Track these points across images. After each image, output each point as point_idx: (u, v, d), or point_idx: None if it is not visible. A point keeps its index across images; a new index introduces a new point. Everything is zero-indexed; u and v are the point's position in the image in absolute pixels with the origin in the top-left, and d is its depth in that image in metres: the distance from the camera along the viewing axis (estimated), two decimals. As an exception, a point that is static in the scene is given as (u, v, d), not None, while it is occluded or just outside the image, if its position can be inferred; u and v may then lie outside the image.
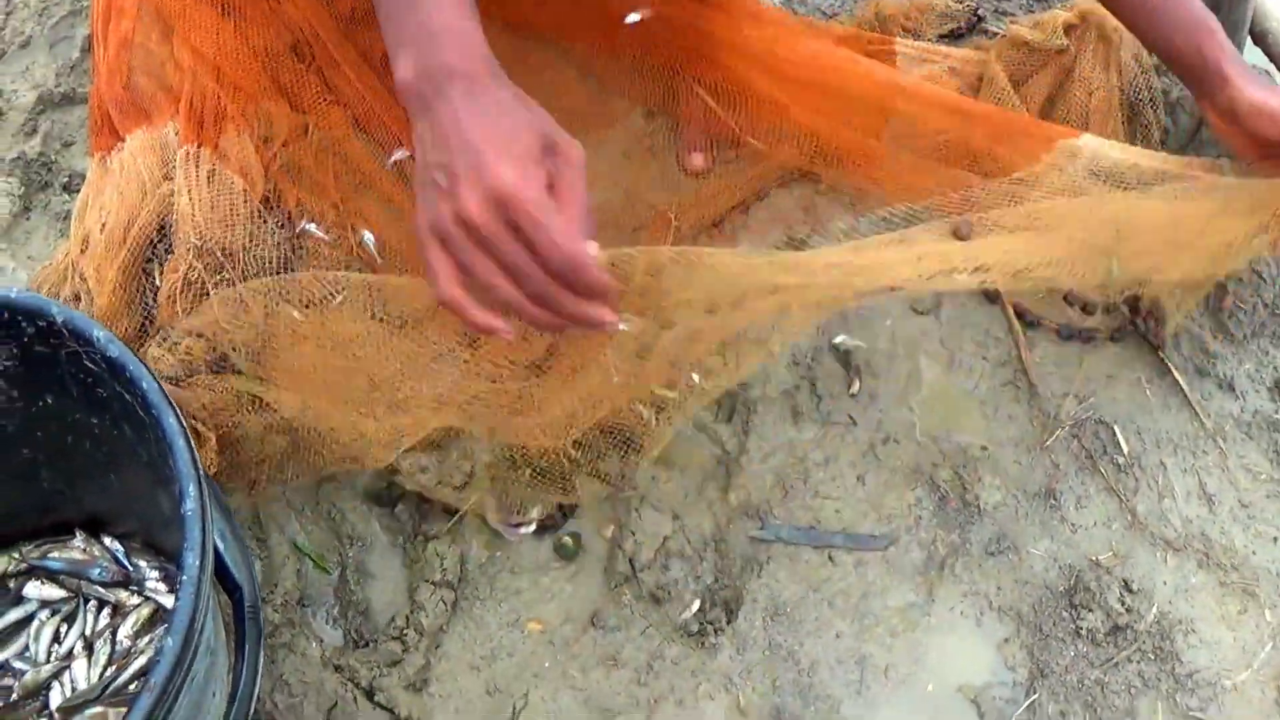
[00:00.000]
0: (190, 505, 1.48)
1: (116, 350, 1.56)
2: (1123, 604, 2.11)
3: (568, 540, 2.10)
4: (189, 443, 1.52)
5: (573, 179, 1.47)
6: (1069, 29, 2.52)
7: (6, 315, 1.62)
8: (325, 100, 2.28)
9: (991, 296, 2.40)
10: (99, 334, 1.57)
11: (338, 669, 1.99)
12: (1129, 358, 2.36)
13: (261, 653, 1.69)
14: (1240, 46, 2.80)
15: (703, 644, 2.04)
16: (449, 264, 1.46)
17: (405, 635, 2.01)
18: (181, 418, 1.54)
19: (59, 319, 1.59)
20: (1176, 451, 2.28)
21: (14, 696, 1.88)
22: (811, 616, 2.09)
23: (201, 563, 1.46)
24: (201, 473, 1.51)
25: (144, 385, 1.55)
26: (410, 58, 1.53)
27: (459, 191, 1.39)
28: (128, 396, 1.60)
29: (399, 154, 2.21)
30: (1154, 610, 2.12)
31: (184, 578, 1.45)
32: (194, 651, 1.46)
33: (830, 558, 2.13)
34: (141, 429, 1.61)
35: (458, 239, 1.42)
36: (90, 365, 1.61)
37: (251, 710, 1.67)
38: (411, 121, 1.56)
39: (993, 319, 2.38)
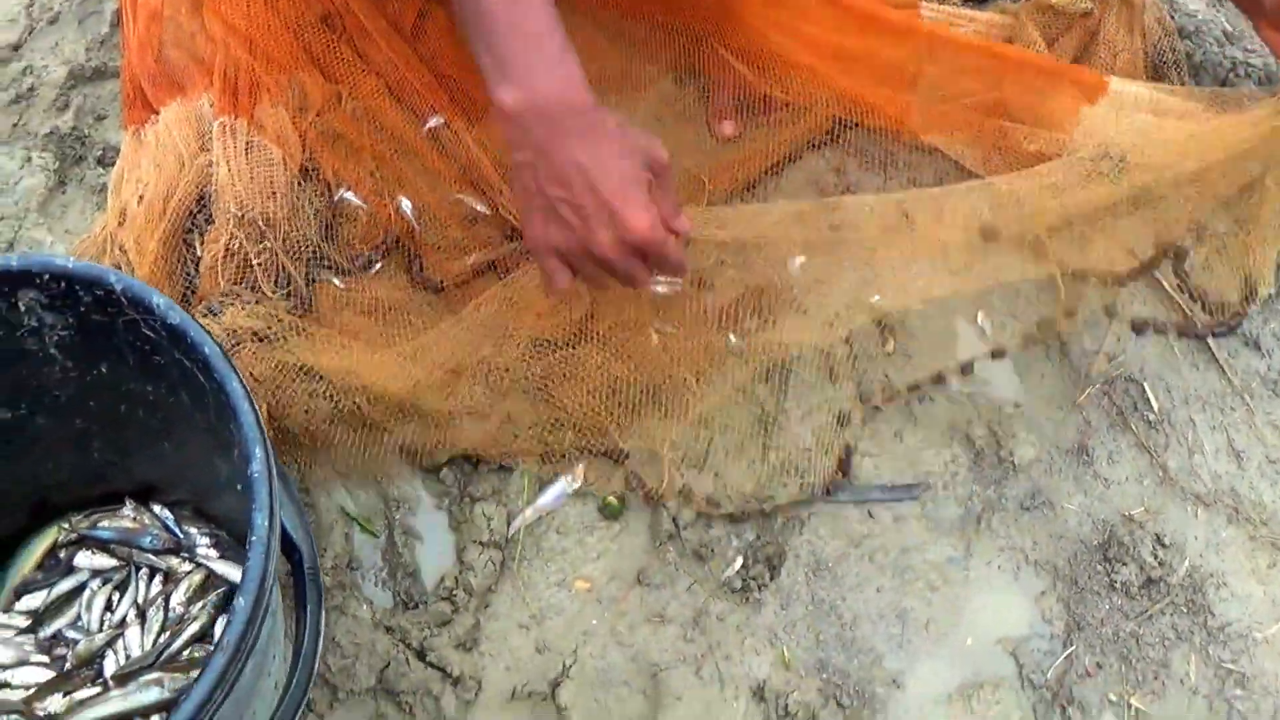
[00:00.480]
0: (257, 467, 1.50)
1: (177, 317, 1.57)
2: (1155, 558, 2.13)
3: (612, 500, 2.12)
4: (253, 406, 1.53)
5: (667, 182, 1.78)
6: (1094, -10, 2.54)
7: (64, 285, 1.62)
8: (358, 69, 2.30)
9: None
10: (159, 301, 1.58)
11: (389, 630, 2.01)
12: (1156, 315, 2.36)
13: (323, 613, 1.71)
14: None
15: (747, 600, 2.06)
16: (567, 274, 1.78)
17: (455, 596, 2.03)
18: (244, 382, 1.55)
19: (118, 287, 1.59)
20: (1205, 408, 2.30)
21: (68, 666, 1.90)
22: (853, 572, 2.11)
23: (270, 523, 1.48)
24: (266, 435, 1.53)
25: (206, 350, 1.55)
26: (515, 87, 1.63)
27: (593, 231, 1.66)
28: (187, 363, 1.61)
29: (434, 121, 2.23)
30: (1186, 564, 2.14)
31: (253, 538, 1.47)
32: (264, 611, 1.47)
33: (870, 514, 2.15)
34: (201, 395, 1.62)
35: (585, 264, 1.74)
36: (148, 333, 1.62)
37: (315, 670, 1.68)
38: (510, 145, 1.69)
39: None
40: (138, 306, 1.60)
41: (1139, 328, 2.34)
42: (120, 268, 2.10)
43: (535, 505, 2.12)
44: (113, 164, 2.34)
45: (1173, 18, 2.56)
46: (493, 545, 2.06)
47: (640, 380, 2.17)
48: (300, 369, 2.03)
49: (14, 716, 1.85)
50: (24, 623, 1.94)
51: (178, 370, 1.64)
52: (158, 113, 2.27)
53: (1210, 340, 2.34)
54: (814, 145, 2.48)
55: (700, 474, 2.15)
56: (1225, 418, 2.29)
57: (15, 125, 2.46)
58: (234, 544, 1.99)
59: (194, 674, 1.84)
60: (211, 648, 1.90)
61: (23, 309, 1.65)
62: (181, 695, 1.56)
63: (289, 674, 1.67)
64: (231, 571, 1.95)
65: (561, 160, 1.60)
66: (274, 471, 1.51)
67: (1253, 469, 2.25)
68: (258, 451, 1.50)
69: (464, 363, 2.10)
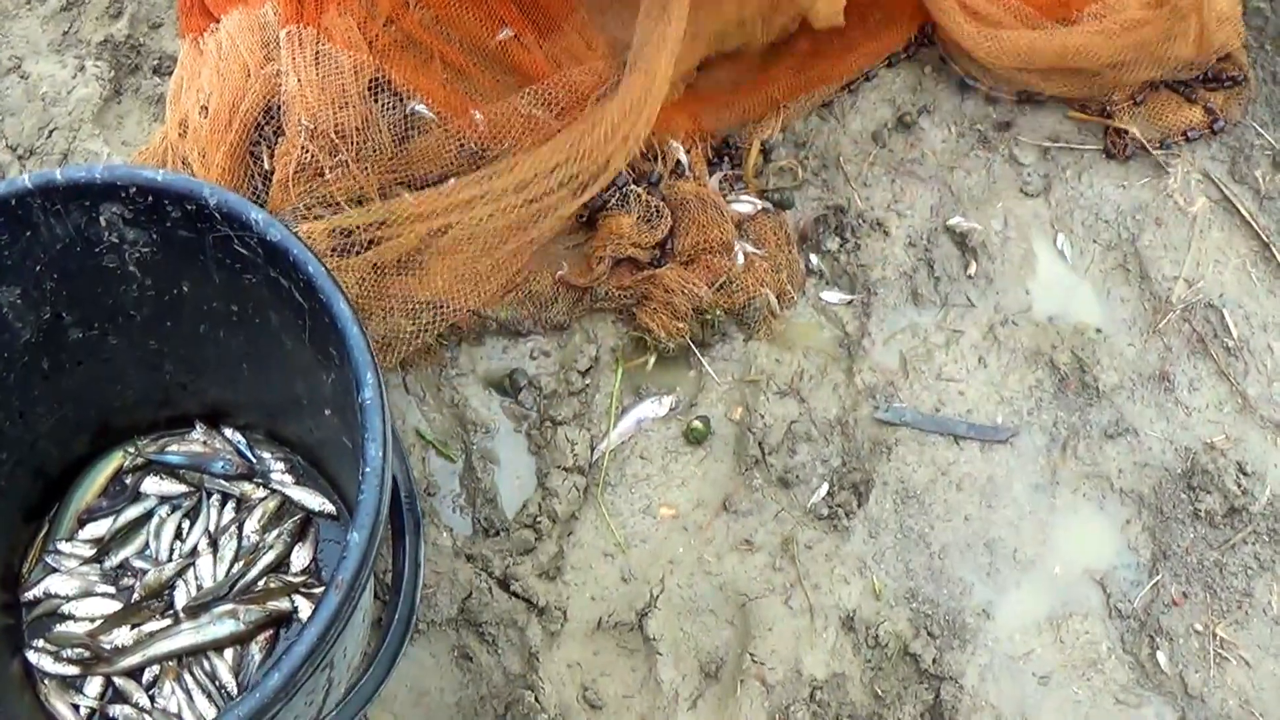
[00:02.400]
0: (369, 394, 1.42)
1: (278, 234, 1.50)
2: (1238, 486, 2.10)
3: (697, 424, 2.07)
4: (363, 329, 1.46)
5: None
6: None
7: (150, 199, 1.54)
8: (426, -21, 2.21)
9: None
10: (257, 216, 1.50)
11: (470, 559, 1.96)
12: (1234, 241, 2.32)
13: (422, 543, 1.65)
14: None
15: (835, 527, 2.03)
16: None
17: (538, 523, 1.99)
18: (352, 302, 1.49)
19: (211, 201, 1.51)
20: (1283, 334, 2.27)
21: (136, 597, 1.85)
22: (940, 500, 2.08)
23: (384, 453, 1.41)
24: (376, 361, 1.46)
25: (310, 269, 1.48)
26: None
27: None
28: (284, 282, 1.54)
29: (506, 32, 2.16)
30: (1267, 493, 2.11)
31: (367, 469, 1.40)
32: (377, 546, 1.42)
33: (956, 441, 2.11)
34: (297, 314, 1.55)
35: None
36: (241, 250, 1.55)
37: (416, 603, 1.62)
38: None
39: (1102, 200, 2.34)
40: (233, 222, 1.52)
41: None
42: (181, 179, 2.03)
43: (619, 429, 2.07)
44: (170, 74, 2.26)
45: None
46: (576, 470, 2.02)
47: (723, 301, 2.12)
48: (377, 283, 1.97)
49: (79, 651, 1.79)
50: (88, 551, 1.88)
51: (270, 289, 1.58)
52: (218, 20, 2.19)
53: None
54: (890, 63, 2.43)
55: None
56: (1303, 344, 2.25)
57: (66, 33, 2.38)
58: (310, 469, 1.94)
59: (270, 605, 1.80)
60: (287, 577, 1.85)
61: (104, 224, 1.58)
62: (292, 636, 1.50)
63: (388, 610, 1.61)
64: (308, 498, 1.90)
65: None
66: (386, 399, 1.44)
67: (1331, 396, 2.21)
68: (370, 378, 1.43)
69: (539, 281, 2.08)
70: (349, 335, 1.46)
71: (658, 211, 2.14)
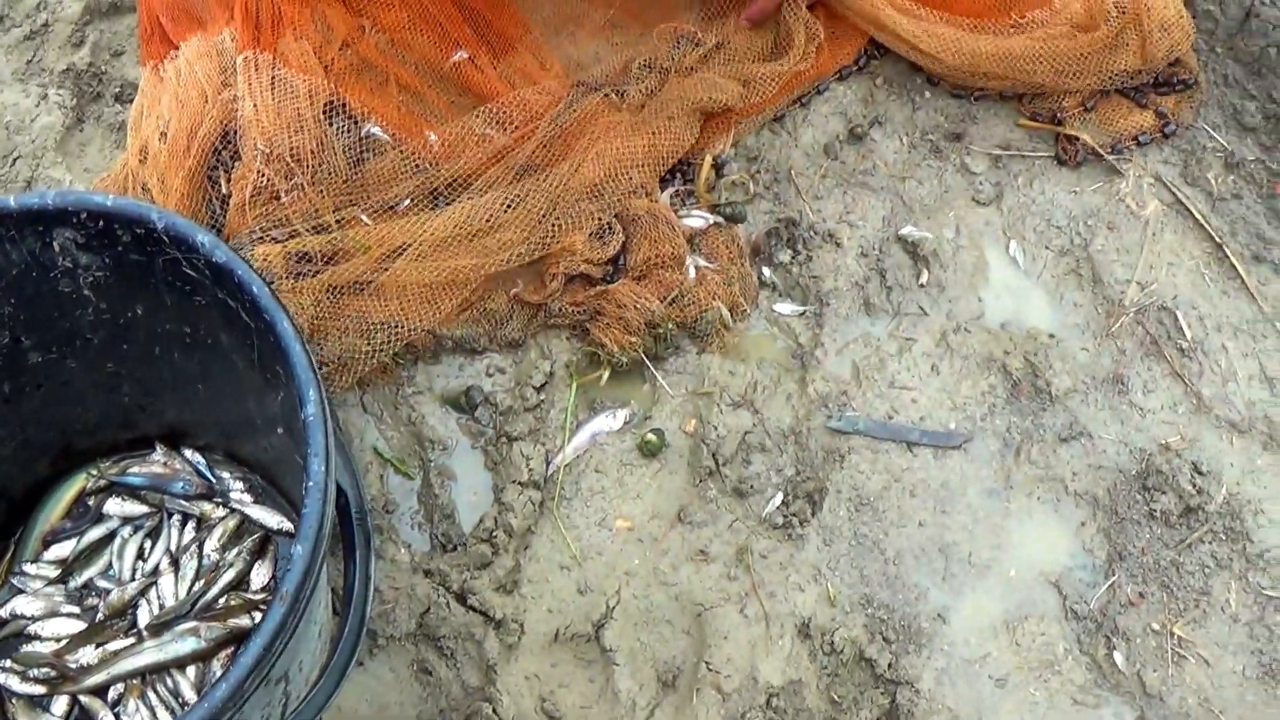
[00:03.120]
0: (312, 410, 1.45)
1: (223, 256, 1.52)
2: (1193, 486, 2.12)
3: (651, 437, 2.09)
4: (305, 347, 1.49)
5: None
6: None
7: (101, 224, 1.57)
8: (380, 2, 2.25)
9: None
10: (203, 239, 1.53)
11: (427, 574, 1.98)
12: (1187, 243, 2.35)
13: (373, 559, 1.68)
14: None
15: (789, 536, 2.05)
16: None
17: (494, 537, 2.00)
18: (295, 322, 1.51)
19: (160, 225, 1.54)
20: (1237, 335, 2.28)
21: (100, 616, 1.87)
22: (894, 507, 2.09)
23: (327, 468, 1.43)
24: (319, 377, 1.49)
25: (255, 290, 1.51)
26: None
27: None
28: (232, 303, 1.56)
29: (460, 54, 2.19)
30: (1223, 492, 2.13)
31: (310, 484, 1.42)
32: (322, 558, 1.44)
33: (909, 448, 2.13)
34: (245, 335, 1.58)
35: None
36: (190, 272, 1.57)
37: (366, 616, 1.65)
38: None
39: (1054, 207, 2.37)
40: (180, 245, 1.55)
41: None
42: (140, 206, 2.06)
43: (574, 444, 2.09)
44: (131, 101, 2.29)
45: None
46: (531, 485, 2.04)
47: (675, 315, 2.14)
48: (334, 304, 1.99)
49: (45, 670, 1.81)
50: (53, 572, 1.91)
51: (219, 310, 1.60)
52: (177, 48, 2.23)
53: (1239, 265, 2.32)
54: (841, 76, 2.45)
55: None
56: (1257, 344, 2.28)
57: (30, 62, 2.41)
58: (268, 488, 1.96)
59: (231, 622, 1.82)
60: (247, 594, 1.87)
61: (57, 249, 1.61)
62: (239, 648, 1.53)
63: (339, 624, 1.64)
64: (266, 516, 1.92)
65: None
66: (329, 415, 1.47)
67: (1286, 395, 2.23)
68: (312, 394, 1.46)
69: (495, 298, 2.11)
70: (292, 353, 1.48)
71: (610, 228, 2.17)
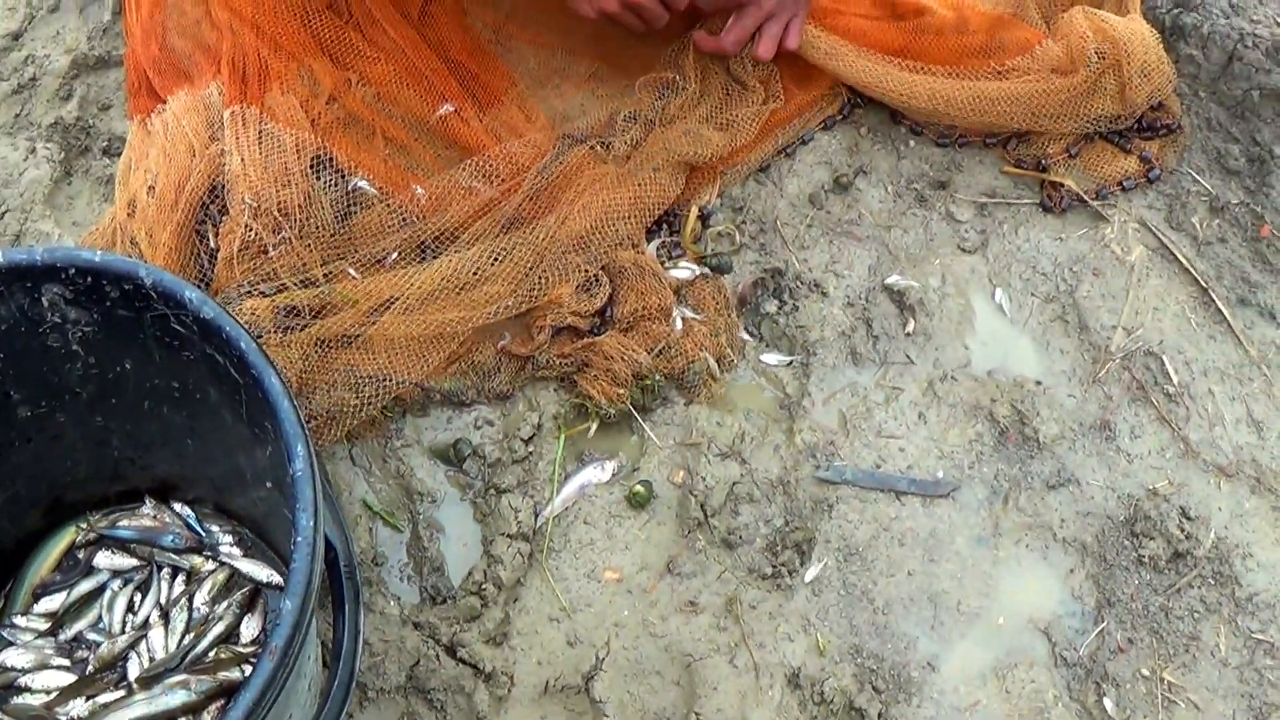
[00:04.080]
0: (300, 466, 1.46)
1: (211, 311, 1.53)
2: (1181, 531, 2.12)
3: (640, 489, 2.09)
4: (293, 402, 1.50)
5: None
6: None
7: (89, 280, 1.58)
8: (367, 56, 2.27)
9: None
10: (191, 295, 1.54)
11: (417, 626, 1.98)
12: (1172, 288, 2.36)
13: (361, 612, 1.68)
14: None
15: (778, 586, 2.05)
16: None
17: (483, 590, 2.00)
18: (283, 378, 1.52)
19: (148, 281, 1.55)
20: (1223, 379, 2.30)
21: (90, 669, 1.87)
22: (883, 556, 2.10)
23: (315, 523, 1.44)
24: (308, 432, 1.49)
25: (243, 346, 1.52)
26: None
27: None
28: (220, 358, 1.57)
29: (446, 107, 2.20)
30: (1211, 536, 2.14)
31: (298, 539, 1.43)
32: (310, 612, 1.44)
33: (897, 497, 2.13)
34: (234, 390, 1.59)
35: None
36: (178, 328, 1.58)
37: (355, 670, 1.65)
38: None
39: (1039, 253, 2.38)
40: (169, 301, 1.56)
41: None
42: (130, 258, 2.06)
43: (562, 496, 2.10)
44: (119, 154, 2.30)
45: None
46: (520, 537, 2.04)
47: (662, 367, 2.15)
48: (322, 358, 2.00)
49: (35, 722, 1.82)
50: (43, 625, 1.91)
51: (207, 366, 1.61)
52: (164, 102, 2.24)
53: (1224, 309, 2.34)
54: (826, 126, 2.47)
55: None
56: (1244, 388, 2.29)
57: (18, 116, 2.42)
58: (258, 541, 1.96)
59: (221, 675, 1.82)
60: (237, 648, 1.87)
61: (46, 305, 1.61)
62: (229, 704, 1.53)
63: (329, 678, 1.64)
64: (256, 570, 1.92)
65: None
66: (316, 470, 1.47)
67: (1273, 438, 2.24)
68: (300, 449, 1.46)
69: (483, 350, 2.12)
70: (280, 409, 1.49)
71: (596, 280, 2.17)
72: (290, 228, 2.03)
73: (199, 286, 1.90)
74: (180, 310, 1.55)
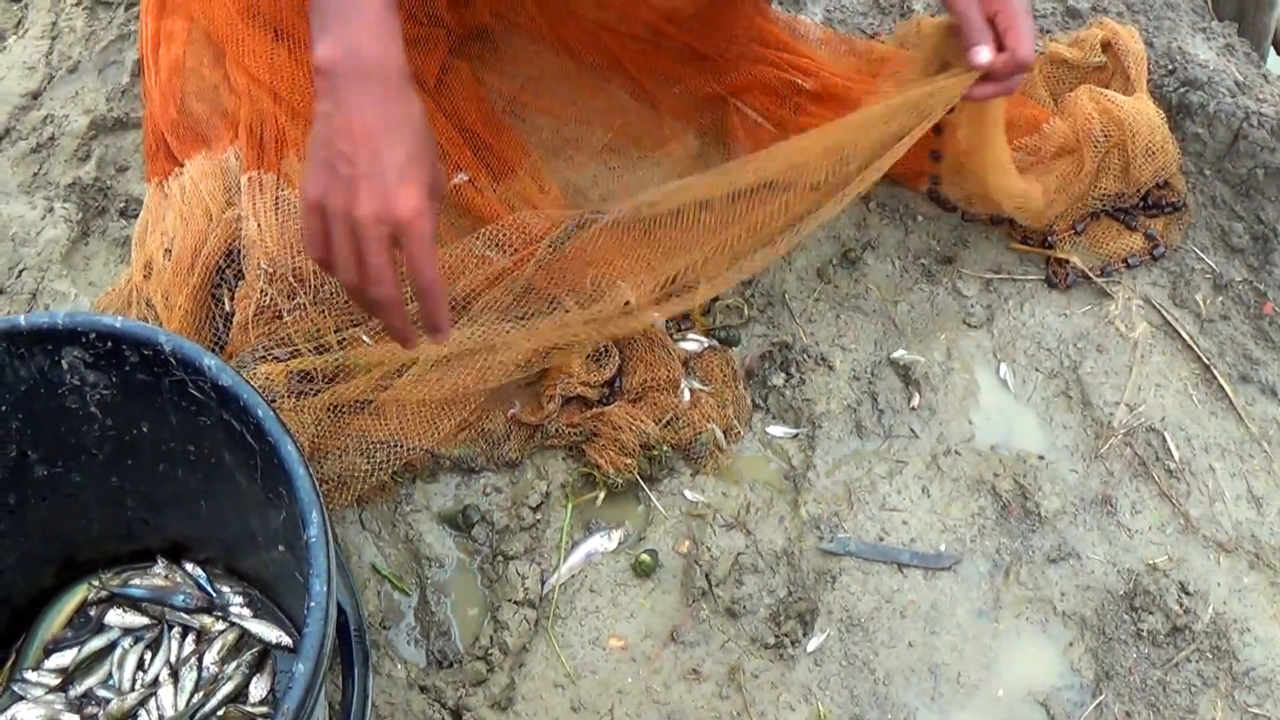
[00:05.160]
0: (314, 532, 1.49)
1: (229, 379, 1.56)
2: (1180, 606, 2.14)
3: (645, 557, 2.11)
4: (308, 470, 1.53)
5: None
6: (1105, 46, 2.57)
7: (110, 345, 1.61)
8: (383, 125, 2.28)
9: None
10: (209, 362, 1.57)
11: (423, 690, 2.00)
12: (1175, 365, 2.38)
13: (371, 676, 1.70)
14: (1264, 57, 2.85)
15: (781, 656, 2.06)
16: (320, 239, 1.60)
17: (489, 654, 2.02)
18: (299, 445, 1.54)
19: (167, 348, 1.58)
20: (1224, 456, 2.32)
21: (99, 725, 1.88)
22: (885, 627, 2.11)
23: (328, 588, 1.47)
24: (322, 500, 1.52)
25: (259, 414, 1.55)
26: (331, 41, 1.55)
27: (359, 193, 1.53)
28: (236, 425, 1.60)
29: (460, 176, 2.23)
30: (1210, 611, 2.15)
31: (312, 604, 1.45)
32: (322, 675, 1.47)
33: (900, 569, 2.15)
34: (249, 455, 1.61)
35: (341, 232, 1.57)
36: (195, 394, 1.61)
37: (363, 733, 1.67)
38: (318, 95, 1.58)
39: (1044, 329, 2.41)
40: (187, 367, 1.59)
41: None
42: (147, 322, 2.09)
43: (569, 563, 2.11)
44: (135, 216, 2.33)
45: (1185, 68, 2.59)
46: (526, 604, 2.06)
47: (670, 437, 2.17)
48: (336, 423, 2.03)
49: (44, 777, 1.84)
50: (54, 681, 1.92)
51: (223, 431, 1.64)
52: (182, 165, 2.26)
53: (1226, 386, 2.36)
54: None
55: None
56: (1244, 464, 2.31)
57: (36, 175, 2.45)
58: (267, 602, 1.98)
59: (230, 735, 1.84)
60: (245, 707, 1.89)
61: (65, 367, 1.65)
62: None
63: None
64: (266, 631, 1.94)
65: (358, 117, 1.54)
66: (331, 537, 1.50)
67: (1272, 514, 2.27)
68: (315, 516, 1.49)
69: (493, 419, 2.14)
70: (295, 476, 1.52)
71: (606, 350, 2.20)
72: (305, 293, 2.06)
73: (214, 350, 1.96)
74: (198, 376, 1.59)
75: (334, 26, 1.55)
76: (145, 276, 2.18)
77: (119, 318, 1.60)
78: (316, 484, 1.52)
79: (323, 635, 1.44)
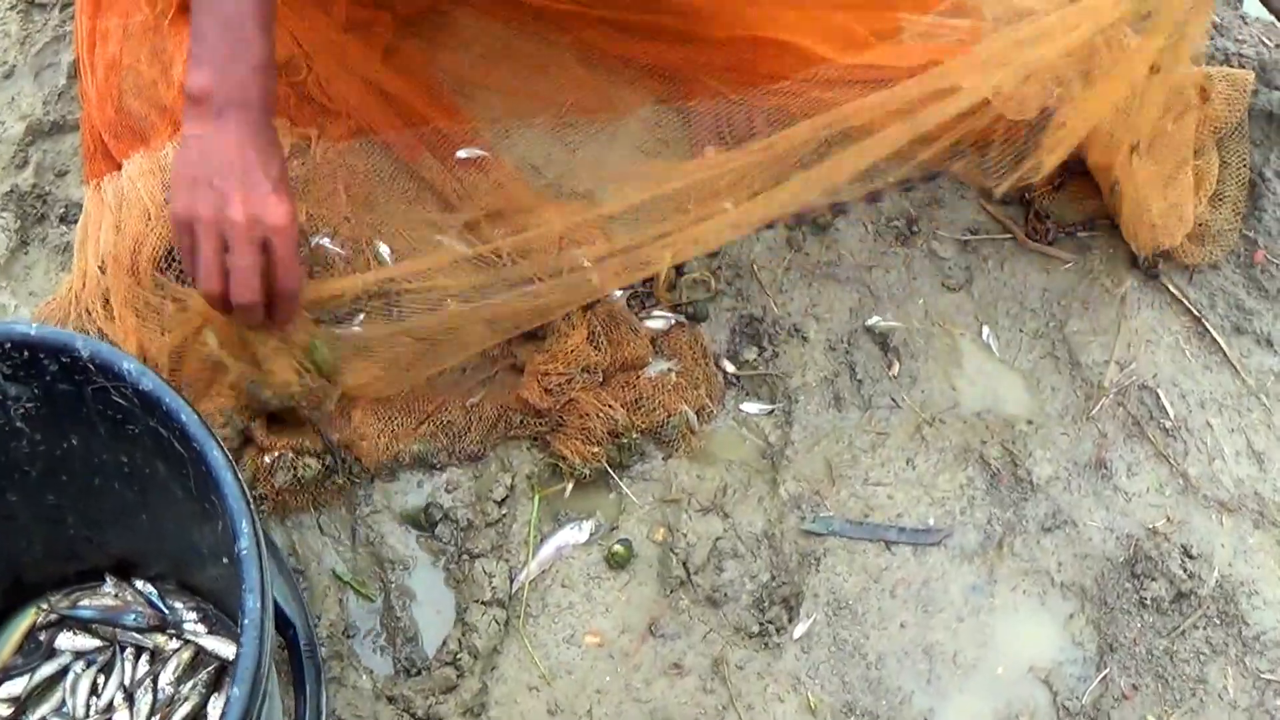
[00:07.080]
0: (245, 544, 1.41)
1: (150, 383, 1.48)
2: (1184, 570, 2.07)
3: (619, 548, 2.04)
4: (237, 475, 1.44)
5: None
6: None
7: (26, 354, 1.53)
8: (325, 113, 2.23)
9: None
10: (129, 366, 1.49)
11: (391, 700, 1.92)
12: (1165, 319, 2.31)
13: (324, 692, 1.62)
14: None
15: (766, 645, 1.99)
16: (190, 251, 1.72)
17: (459, 659, 1.95)
18: (226, 450, 1.46)
19: (84, 353, 1.50)
20: (1221, 411, 2.24)
21: (54, 754, 1.80)
22: (874, 609, 2.04)
23: (263, 603, 1.39)
24: (253, 508, 1.44)
25: (183, 418, 1.47)
26: (214, 72, 1.68)
27: (232, 201, 1.66)
28: (163, 431, 1.52)
29: (464, 152, 2.19)
30: (1215, 574, 2.08)
31: (245, 621, 1.38)
32: (262, 697, 1.39)
33: (887, 546, 2.08)
34: (179, 464, 1.53)
35: (208, 234, 1.69)
36: (119, 401, 1.53)
37: (318, 753, 1.59)
38: (187, 118, 1.70)
39: (1027, 288, 2.33)
40: (106, 373, 1.51)
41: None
42: (89, 331, 2.02)
43: (538, 559, 2.04)
44: (76, 221, 2.25)
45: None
46: (495, 603, 1.98)
47: (640, 422, 2.10)
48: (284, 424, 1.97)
49: (-1, 812, 1.76)
50: (6, 711, 1.84)
51: (152, 439, 1.56)
52: (121, 165, 2.19)
53: (1219, 339, 2.29)
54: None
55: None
56: (1243, 419, 2.24)
57: (-28, 186, 2.38)
58: (222, 617, 1.90)
59: (188, 759, 1.77)
60: (205, 729, 1.82)
61: (-16, 382, 1.57)
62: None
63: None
64: (222, 647, 1.86)
65: (234, 138, 1.66)
66: (263, 547, 1.42)
67: (1275, 470, 2.19)
68: (244, 526, 1.41)
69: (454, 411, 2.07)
70: (223, 483, 1.44)
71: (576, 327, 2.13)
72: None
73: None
74: (119, 382, 1.51)
75: (218, 61, 1.67)
76: (84, 285, 2.11)
77: (32, 325, 1.53)
78: (245, 490, 1.44)
79: (259, 655, 1.36)
